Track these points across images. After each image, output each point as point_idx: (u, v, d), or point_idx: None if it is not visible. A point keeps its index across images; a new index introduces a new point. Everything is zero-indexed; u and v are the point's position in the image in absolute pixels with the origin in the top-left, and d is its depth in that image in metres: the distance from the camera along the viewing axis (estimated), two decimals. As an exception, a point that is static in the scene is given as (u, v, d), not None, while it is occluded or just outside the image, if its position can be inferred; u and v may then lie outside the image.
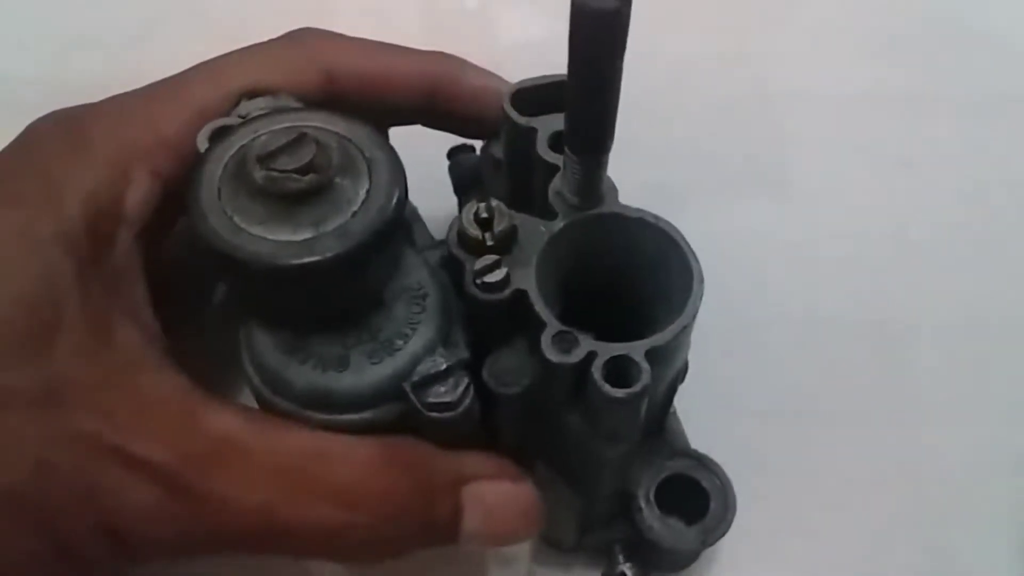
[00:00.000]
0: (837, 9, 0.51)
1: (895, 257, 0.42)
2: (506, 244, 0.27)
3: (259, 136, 0.27)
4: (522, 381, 0.27)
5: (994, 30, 0.50)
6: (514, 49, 0.48)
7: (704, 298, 0.26)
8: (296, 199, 0.25)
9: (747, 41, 0.50)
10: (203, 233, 0.25)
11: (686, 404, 0.33)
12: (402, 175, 0.27)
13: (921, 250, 0.43)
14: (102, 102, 0.30)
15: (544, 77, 0.31)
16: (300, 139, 0.26)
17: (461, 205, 0.37)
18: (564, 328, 0.26)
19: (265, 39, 0.32)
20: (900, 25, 0.50)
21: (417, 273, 0.29)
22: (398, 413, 0.27)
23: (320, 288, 0.26)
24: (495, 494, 0.28)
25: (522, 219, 0.28)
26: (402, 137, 0.31)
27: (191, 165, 0.27)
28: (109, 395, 0.26)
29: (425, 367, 0.27)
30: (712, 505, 0.30)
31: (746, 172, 0.45)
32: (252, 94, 0.30)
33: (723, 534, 0.30)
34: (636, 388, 0.25)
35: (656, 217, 0.28)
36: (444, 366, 0.27)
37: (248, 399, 0.29)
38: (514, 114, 0.31)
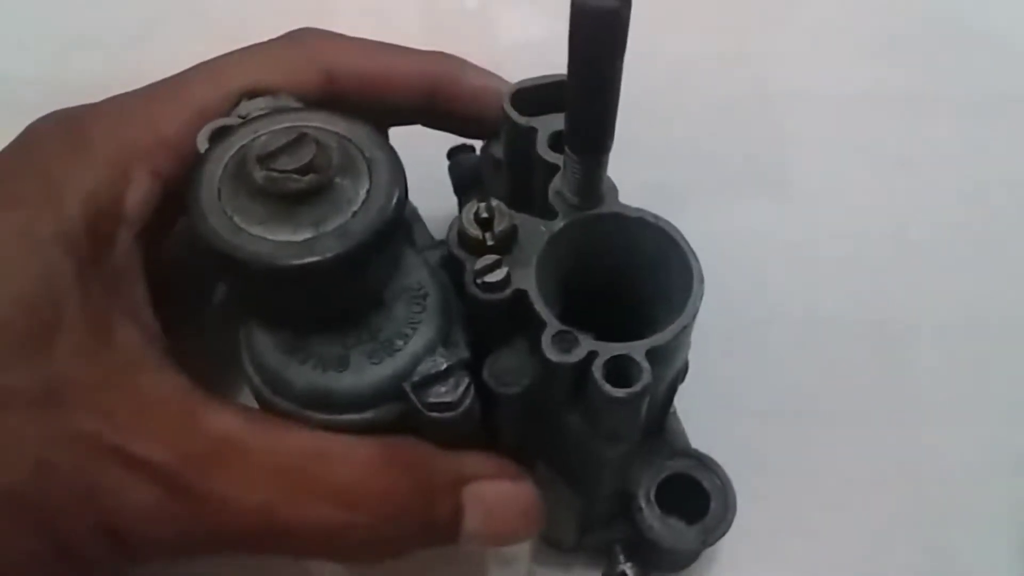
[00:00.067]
0: (837, 9, 0.51)
1: (895, 257, 0.42)
2: (506, 244, 0.27)
3: (259, 136, 0.27)
4: (522, 381, 0.27)
5: (994, 30, 0.50)
6: (514, 49, 0.48)
7: (704, 298, 0.26)
8: (296, 199, 0.25)
9: (747, 41, 0.50)
10: (203, 233, 0.25)
11: (686, 404, 0.33)
12: (402, 175, 0.27)
13: (921, 250, 0.43)
14: (102, 102, 0.30)
15: (544, 77, 0.31)
16: (300, 139, 0.26)
17: (461, 205, 0.37)
18: (564, 328, 0.26)
19: (265, 39, 0.32)
20: (900, 25, 0.50)
21: (417, 273, 0.29)
22: (398, 413, 0.27)
23: (320, 288, 0.26)
24: (495, 494, 0.28)
25: (522, 219, 0.28)
26: (402, 137, 0.31)
27: (191, 165, 0.27)
28: (109, 395, 0.26)
29: (425, 367, 0.27)
30: (712, 505, 0.30)
31: (746, 172, 0.45)
32: (252, 94, 0.30)
33: (723, 534, 0.30)
34: (637, 388, 0.25)
35: (656, 217, 0.28)
36: (444, 366, 0.27)
37: (248, 399, 0.29)
38: (514, 114, 0.31)
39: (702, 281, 0.27)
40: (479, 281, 0.27)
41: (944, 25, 0.50)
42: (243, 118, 0.28)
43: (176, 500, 0.25)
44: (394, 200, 0.26)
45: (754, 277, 0.41)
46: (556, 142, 0.30)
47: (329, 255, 0.25)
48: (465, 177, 0.37)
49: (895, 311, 0.41)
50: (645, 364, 0.25)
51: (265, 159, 0.25)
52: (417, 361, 0.27)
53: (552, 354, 0.25)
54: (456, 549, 0.28)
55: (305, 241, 0.25)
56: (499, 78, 0.34)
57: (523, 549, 0.35)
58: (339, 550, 0.28)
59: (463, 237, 0.27)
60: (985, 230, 0.43)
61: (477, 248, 0.27)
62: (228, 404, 0.27)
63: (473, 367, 0.27)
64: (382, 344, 0.27)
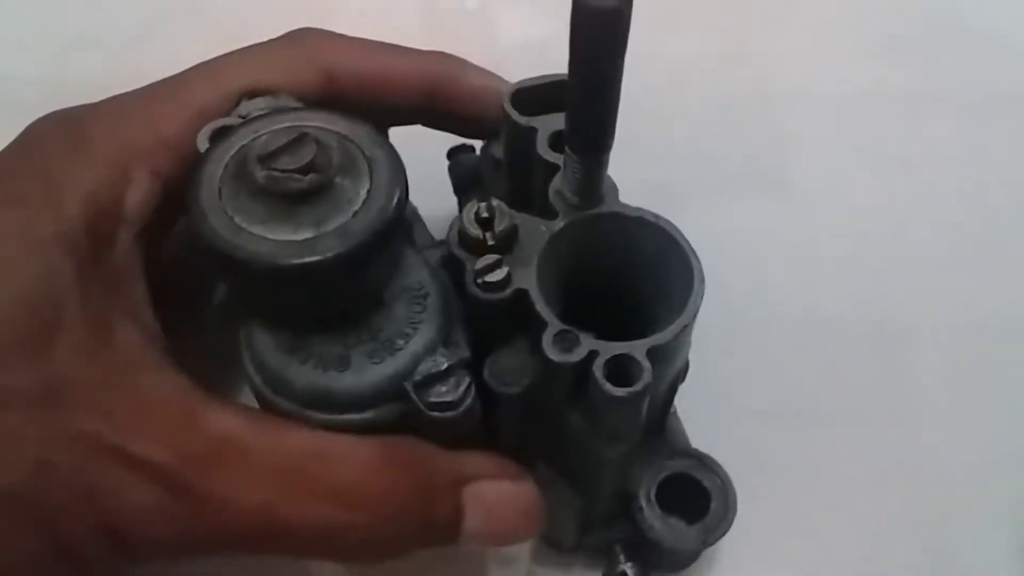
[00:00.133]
0: (837, 9, 0.51)
1: (895, 257, 0.42)
2: (507, 244, 0.27)
3: (259, 136, 0.27)
4: (523, 381, 0.27)
5: (994, 30, 0.50)
6: (514, 49, 0.48)
7: (704, 298, 0.26)
8: (297, 199, 0.25)
9: (747, 41, 0.50)
10: (204, 233, 0.25)
11: (686, 404, 0.33)
12: (403, 175, 0.27)
13: (921, 250, 0.43)
14: (102, 102, 0.30)
15: (544, 77, 0.31)
16: (301, 139, 0.26)
17: (461, 205, 0.37)
18: (565, 327, 0.26)
19: (265, 39, 0.32)
20: (900, 25, 0.50)
21: (418, 273, 0.29)
22: (399, 413, 0.27)
23: (321, 288, 0.26)
24: (496, 494, 0.28)
25: (523, 219, 0.28)
26: (402, 137, 0.31)
27: (191, 165, 0.27)
28: (109, 395, 0.26)
29: (426, 366, 0.27)
30: (713, 504, 0.30)
31: (746, 172, 0.45)
32: (252, 94, 0.30)
33: (724, 533, 0.30)
34: (638, 387, 0.25)
35: (656, 216, 0.28)
36: (445, 365, 0.27)
37: (248, 399, 0.29)
38: (514, 114, 0.31)
39: (703, 280, 0.27)
40: (480, 281, 0.27)
41: (944, 25, 0.50)
42: (243, 118, 0.28)
43: (176, 500, 0.25)
44: (395, 200, 0.26)
45: (754, 277, 0.41)
46: (556, 142, 0.30)
47: (330, 255, 0.25)
48: (465, 177, 0.37)
49: (895, 311, 0.41)
50: (646, 363, 0.25)
51: (266, 159, 0.25)
52: (418, 361, 0.27)
53: (553, 353, 0.25)
54: (456, 549, 0.28)
55: (306, 241, 0.25)
56: (499, 78, 0.34)
57: (523, 549, 0.35)
58: (339, 550, 0.28)
59: (464, 237, 0.27)
60: (985, 230, 0.43)
61: (478, 248, 0.27)
62: (228, 404, 0.27)
63: (474, 367, 0.27)
64: (383, 344, 0.27)
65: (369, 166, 0.27)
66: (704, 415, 0.34)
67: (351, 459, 0.27)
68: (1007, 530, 0.36)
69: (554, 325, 0.26)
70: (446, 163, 0.37)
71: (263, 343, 0.27)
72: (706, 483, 0.30)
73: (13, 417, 0.25)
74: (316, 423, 0.27)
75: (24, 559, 0.25)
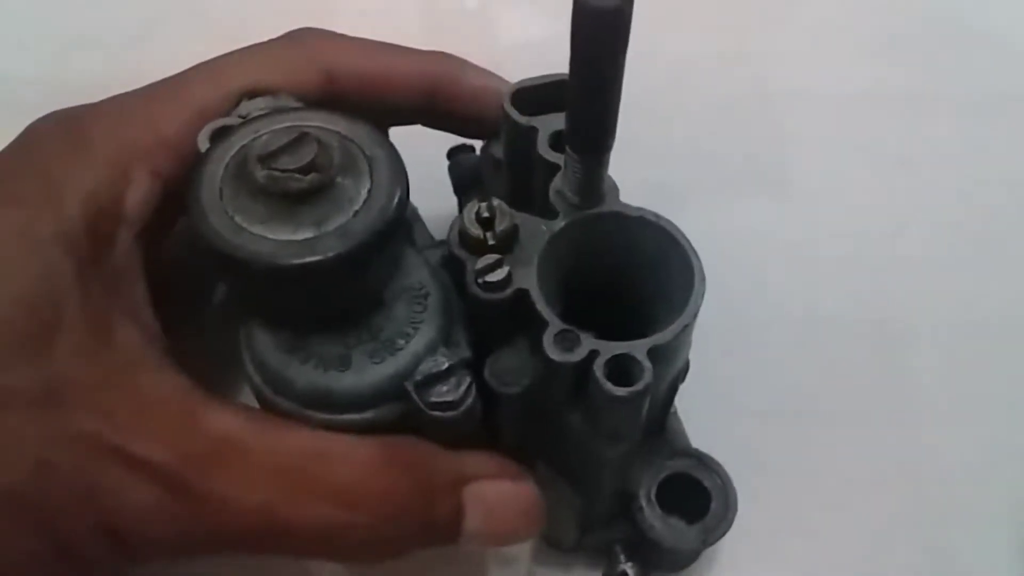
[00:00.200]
0: (837, 9, 0.51)
1: (895, 257, 0.42)
2: (507, 243, 0.27)
3: (260, 136, 0.27)
4: (523, 380, 0.27)
5: (994, 30, 0.50)
6: (514, 49, 0.48)
7: (704, 297, 0.26)
8: (297, 199, 0.25)
9: (747, 41, 0.50)
10: (204, 233, 0.25)
11: (686, 404, 0.33)
12: (403, 174, 0.27)
13: (921, 250, 0.43)
14: (102, 102, 0.30)
15: (544, 77, 0.31)
16: (301, 138, 0.26)
17: (461, 205, 0.37)
18: (566, 327, 0.26)
19: (265, 39, 0.32)
20: (900, 25, 0.50)
21: (418, 273, 0.29)
22: (399, 413, 0.27)
23: (321, 288, 0.26)
24: (496, 494, 0.28)
25: (523, 218, 0.28)
26: (402, 137, 0.31)
27: (192, 165, 0.27)
28: (109, 395, 0.26)
29: (427, 366, 0.27)
30: (713, 504, 0.30)
31: (746, 172, 0.45)
32: (252, 94, 0.30)
33: (724, 533, 0.30)
34: (638, 387, 0.25)
35: (657, 216, 0.28)
36: (446, 365, 0.27)
37: (248, 399, 0.29)
38: (514, 114, 0.31)
39: (703, 280, 0.27)
40: (480, 280, 0.27)
41: (944, 25, 0.50)
42: (243, 118, 0.28)
43: (176, 500, 0.25)
44: (395, 199, 0.26)
45: (754, 277, 0.41)
46: (556, 142, 0.30)
47: (330, 254, 0.25)
48: (465, 177, 0.37)
49: (895, 311, 0.41)
50: (647, 363, 0.25)
51: (266, 158, 0.25)
52: (418, 360, 0.27)
53: (554, 353, 0.25)
54: (456, 549, 0.28)
55: (306, 240, 0.25)
56: (499, 78, 0.34)
57: (523, 549, 0.35)
58: (339, 550, 0.28)
59: (464, 237, 0.27)
60: (985, 230, 0.43)
61: (478, 248, 0.27)
62: (228, 404, 0.27)
63: (474, 366, 0.27)
64: (383, 343, 0.27)
65: (370, 166, 0.27)
66: (704, 415, 0.33)
67: (351, 459, 0.27)
68: (1007, 530, 0.36)
69: (555, 325, 0.26)
70: (446, 163, 0.37)
71: (263, 343, 0.27)
72: (706, 483, 0.30)
73: (13, 417, 0.25)
74: (316, 423, 0.27)
75: (24, 559, 0.25)
